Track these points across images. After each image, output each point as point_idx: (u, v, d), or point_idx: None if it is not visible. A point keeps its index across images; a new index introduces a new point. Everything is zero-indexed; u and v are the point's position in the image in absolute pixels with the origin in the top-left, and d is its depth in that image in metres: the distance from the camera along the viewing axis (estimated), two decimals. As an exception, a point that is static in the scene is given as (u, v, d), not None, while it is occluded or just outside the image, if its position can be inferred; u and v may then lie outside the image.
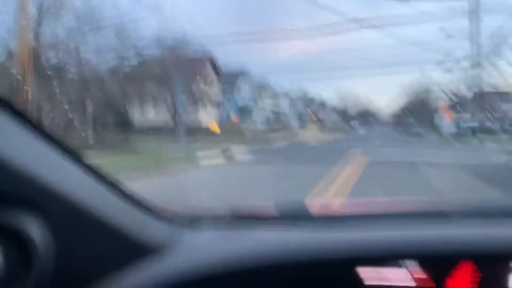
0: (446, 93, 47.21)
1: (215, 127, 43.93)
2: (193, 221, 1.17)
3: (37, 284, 0.71)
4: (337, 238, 0.94)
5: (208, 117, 45.55)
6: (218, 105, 48.39)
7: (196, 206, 1.42)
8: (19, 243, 0.70)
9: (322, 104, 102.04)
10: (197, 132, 43.67)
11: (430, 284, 0.91)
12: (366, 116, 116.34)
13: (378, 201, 1.88)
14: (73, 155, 0.83)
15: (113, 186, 0.91)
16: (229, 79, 57.57)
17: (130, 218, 0.92)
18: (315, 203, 1.64)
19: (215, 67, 49.53)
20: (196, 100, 42.78)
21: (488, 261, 0.91)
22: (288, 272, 0.85)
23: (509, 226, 1.02)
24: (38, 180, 0.71)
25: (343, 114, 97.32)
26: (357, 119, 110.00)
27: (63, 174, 0.79)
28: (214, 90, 48.93)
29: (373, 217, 1.16)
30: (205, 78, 43.58)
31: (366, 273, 0.90)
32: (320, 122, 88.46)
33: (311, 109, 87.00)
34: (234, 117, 49.12)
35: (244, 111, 57.54)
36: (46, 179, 0.73)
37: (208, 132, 42.81)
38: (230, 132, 45.89)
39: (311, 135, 47.09)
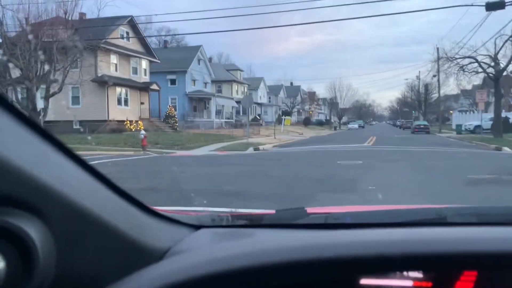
0: (477, 61, 28.71)
1: (135, 123, 29.75)
2: (194, 223, 1.17)
3: (39, 287, 0.71)
4: (337, 239, 0.92)
5: (121, 107, 30.89)
6: (145, 89, 33.69)
7: (196, 207, 1.09)
8: (19, 245, 0.69)
9: (311, 95, 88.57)
10: (95, 128, 29.97)
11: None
12: (361, 109, 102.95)
13: (379, 208, 1.56)
14: (73, 156, 0.82)
15: (114, 188, 0.90)
16: (176, 56, 43.32)
17: (132, 220, 0.92)
18: (315, 209, 1.38)
19: (139, 34, 34.51)
20: (101, 81, 28.35)
21: (492, 270, 0.89)
22: (288, 271, 0.84)
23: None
24: (38, 181, 0.71)
25: (335, 106, 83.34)
26: (351, 111, 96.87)
27: (64, 176, 0.78)
28: (140, 67, 34.27)
29: (373, 223, 1.12)
30: (113, 48, 29.02)
31: (366, 279, 0.92)
32: (304, 114, 74.94)
33: (295, 100, 72.99)
34: (171, 108, 34.78)
35: (195, 100, 43.39)
36: (46, 180, 0.72)
37: (119, 128, 28.79)
38: (160, 128, 31.79)
39: (271, 135, 32.65)
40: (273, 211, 1.26)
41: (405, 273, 0.90)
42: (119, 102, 30.66)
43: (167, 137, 25.51)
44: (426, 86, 67.65)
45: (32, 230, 0.70)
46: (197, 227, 1.14)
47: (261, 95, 65.87)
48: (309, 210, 1.25)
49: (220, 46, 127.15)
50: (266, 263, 0.81)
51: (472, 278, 0.89)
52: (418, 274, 0.91)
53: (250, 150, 20.86)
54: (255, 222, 1.21)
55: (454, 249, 0.83)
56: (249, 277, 0.81)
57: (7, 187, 0.68)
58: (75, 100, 29.47)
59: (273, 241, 0.96)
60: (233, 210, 1.49)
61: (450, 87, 55.17)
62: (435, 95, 62.94)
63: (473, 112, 55.36)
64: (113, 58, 30.47)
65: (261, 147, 22.56)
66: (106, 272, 0.83)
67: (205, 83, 45.93)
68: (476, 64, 28.90)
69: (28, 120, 0.74)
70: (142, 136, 18.92)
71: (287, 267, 0.81)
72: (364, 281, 0.90)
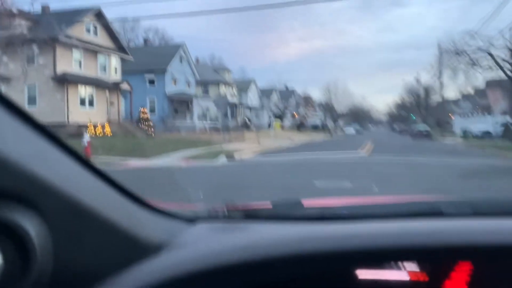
0: (491, 55, 25.55)
1: (96, 127, 26.09)
2: (190, 216, 1.17)
3: (36, 283, 0.71)
4: (333, 232, 0.94)
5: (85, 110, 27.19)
6: (115, 89, 30.06)
7: (193, 201, 1.31)
8: (17, 240, 0.69)
9: (306, 99, 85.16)
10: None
11: (425, 281, 0.92)
12: (358, 113, 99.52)
13: (375, 200, 1.59)
14: (71, 151, 0.82)
15: (111, 182, 0.90)
16: (156, 54, 39.75)
17: (129, 215, 0.93)
18: (312, 202, 1.39)
19: (108, 28, 30.89)
20: (58, 79, 24.75)
21: (486, 261, 0.92)
22: (285, 264, 0.86)
23: (506, 223, 0.99)
24: (35, 176, 0.71)
25: (331, 110, 79.91)
26: (348, 116, 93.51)
27: (61, 171, 0.79)
28: (109, 65, 30.68)
29: (369, 215, 1.13)
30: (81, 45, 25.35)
31: (362, 271, 0.92)
32: (299, 119, 71.51)
33: (289, 104, 69.54)
34: (144, 110, 31.20)
35: (177, 102, 39.81)
36: (43, 175, 0.72)
37: (80, 133, 25.15)
38: (130, 132, 28.16)
39: (257, 140, 29.17)
40: (269, 204, 1.26)
41: (400, 264, 0.91)
42: (82, 103, 27.01)
43: (131, 143, 21.91)
44: (427, 88, 64.41)
45: (29, 224, 0.69)
46: (193, 220, 1.14)
47: (252, 98, 62.32)
48: (305, 202, 1.25)
49: (214, 50, 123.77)
50: (263, 256, 0.81)
51: (467, 269, 0.90)
52: (413, 266, 0.91)
53: (223, 160, 17.30)
54: (251, 216, 1.19)
55: (449, 241, 0.83)
56: (246, 271, 0.80)
57: (4, 181, 0.67)
58: (32, 100, 25.87)
59: (269, 234, 0.95)
60: (229, 203, 1.14)
61: (451, 90, 51.63)
62: (435, 97, 59.65)
63: (473, 115, 51.91)
64: (77, 54, 26.89)
65: (238, 155, 19.03)
66: (103, 266, 0.83)
67: (188, 84, 42.33)
68: (489, 58, 25.21)
69: (26, 116, 0.74)
70: (85, 142, 15.35)
71: (284, 260, 0.81)
72: (360, 272, 0.91)
